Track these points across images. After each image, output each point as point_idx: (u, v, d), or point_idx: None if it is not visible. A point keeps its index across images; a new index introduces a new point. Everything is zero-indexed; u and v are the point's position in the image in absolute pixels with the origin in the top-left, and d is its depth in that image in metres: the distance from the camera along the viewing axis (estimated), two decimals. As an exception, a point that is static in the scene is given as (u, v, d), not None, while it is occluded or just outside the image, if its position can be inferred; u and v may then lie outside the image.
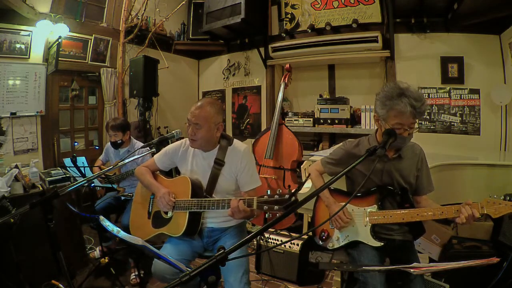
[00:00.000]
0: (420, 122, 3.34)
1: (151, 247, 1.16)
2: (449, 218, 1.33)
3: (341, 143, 1.70)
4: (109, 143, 2.68)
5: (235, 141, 1.67)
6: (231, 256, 0.77)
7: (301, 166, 2.97)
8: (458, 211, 1.28)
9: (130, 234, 1.63)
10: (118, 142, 2.58)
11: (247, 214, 1.38)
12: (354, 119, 3.68)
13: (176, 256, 1.50)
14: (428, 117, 3.35)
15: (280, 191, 1.24)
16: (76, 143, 3.79)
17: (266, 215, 2.87)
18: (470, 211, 1.25)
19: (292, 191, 1.12)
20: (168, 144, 1.76)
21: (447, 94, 3.26)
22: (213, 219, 1.64)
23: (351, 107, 3.64)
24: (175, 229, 1.57)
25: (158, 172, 1.79)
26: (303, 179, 2.61)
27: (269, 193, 1.26)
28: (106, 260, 2.41)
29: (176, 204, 1.56)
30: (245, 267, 1.51)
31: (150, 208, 1.73)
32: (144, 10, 4.01)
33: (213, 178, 1.59)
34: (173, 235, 1.57)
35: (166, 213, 1.63)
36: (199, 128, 1.52)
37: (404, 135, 1.38)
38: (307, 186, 2.07)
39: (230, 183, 1.61)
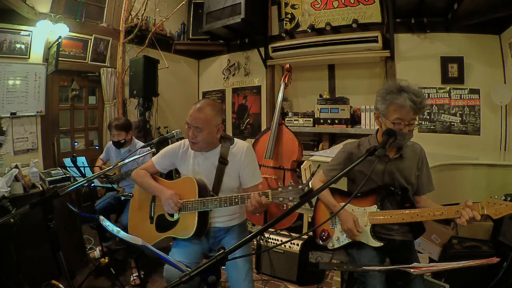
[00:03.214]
0: (420, 122, 3.35)
1: (151, 247, 1.16)
2: (449, 218, 1.33)
3: (341, 147, 1.69)
4: (111, 142, 2.68)
5: (236, 140, 1.67)
6: (230, 256, 0.77)
7: (301, 166, 2.97)
8: (458, 212, 1.28)
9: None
10: (121, 141, 2.59)
11: (263, 208, 1.42)
12: (354, 119, 3.68)
13: (186, 260, 1.47)
14: (428, 117, 3.35)
15: (292, 182, 1.30)
16: (76, 143, 3.79)
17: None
18: (472, 214, 1.25)
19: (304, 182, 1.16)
20: (168, 144, 1.75)
21: (447, 94, 3.26)
22: (219, 218, 1.65)
23: (351, 107, 3.64)
24: (183, 230, 1.54)
25: (158, 174, 1.75)
26: (303, 179, 2.61)
27: (282, 185, 1.33)
28: (106, 260, 2.41)
29: (183, 206, 1.53)
30: (249, 264, 1.55)
31: (152, 212, 1.68)
32: (144, 10, 4.01)
33: (219, 177, 1.59)
34: (183, 237, 1.54)
35: (172, 215, 1.60)
36: (200, 131, 1.51)
37: (404, 131, 1.39)
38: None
39: (234, 181, 1.62)
